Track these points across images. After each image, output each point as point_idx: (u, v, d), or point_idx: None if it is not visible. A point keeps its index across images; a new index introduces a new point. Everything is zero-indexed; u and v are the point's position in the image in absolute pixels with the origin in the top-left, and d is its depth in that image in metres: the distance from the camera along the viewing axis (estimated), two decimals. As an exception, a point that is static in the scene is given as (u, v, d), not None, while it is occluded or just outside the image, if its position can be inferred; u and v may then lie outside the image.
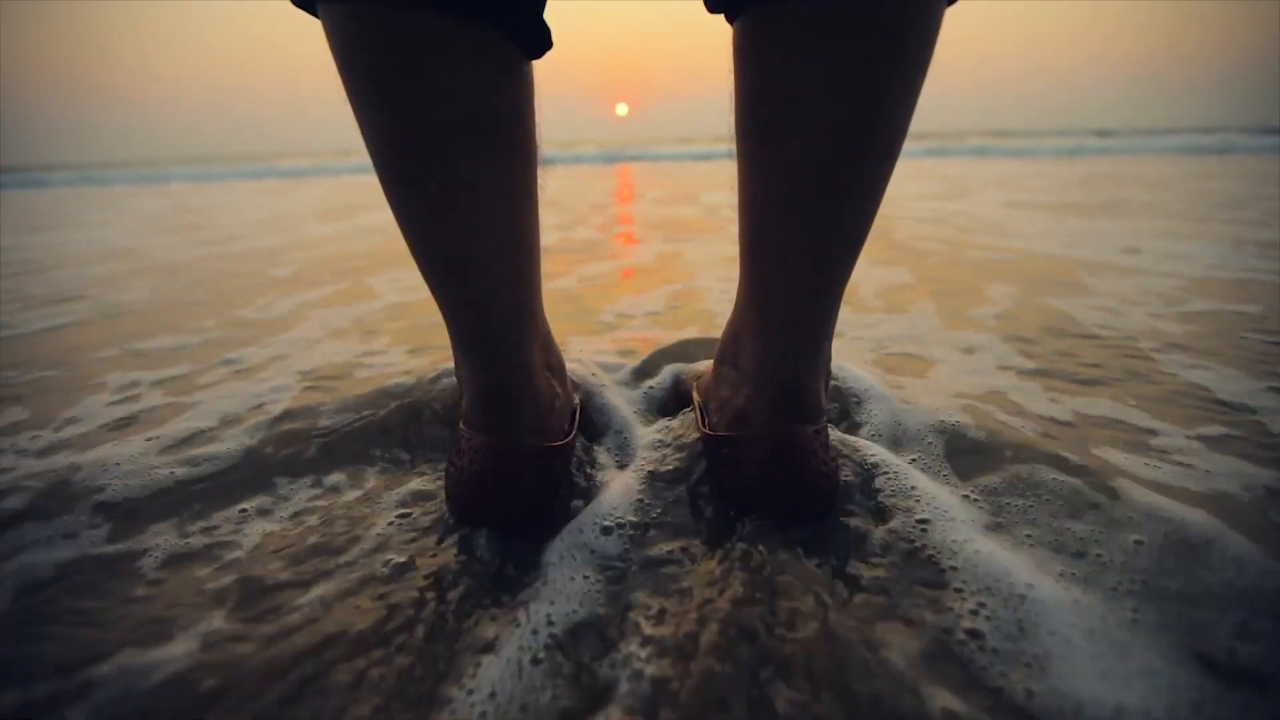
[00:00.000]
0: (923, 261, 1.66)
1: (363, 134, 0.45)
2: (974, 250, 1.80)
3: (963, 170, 5.40)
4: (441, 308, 0.51)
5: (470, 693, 0.37)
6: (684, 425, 0.66)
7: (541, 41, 0.47)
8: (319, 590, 0.46)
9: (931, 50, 0.42)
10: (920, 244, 1.93)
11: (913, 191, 3.57)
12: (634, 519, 0.52)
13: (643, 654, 0.39)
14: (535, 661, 0.39)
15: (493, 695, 0.37)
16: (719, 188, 4.28)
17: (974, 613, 0.41)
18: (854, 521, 0.51)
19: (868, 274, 1.50)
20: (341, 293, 1.51)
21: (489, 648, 0.40)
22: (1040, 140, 10.20)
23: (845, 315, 0.99)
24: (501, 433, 0.51)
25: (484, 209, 0.46)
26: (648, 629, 0.41)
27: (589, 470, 0.60)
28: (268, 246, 2.34)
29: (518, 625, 0.42)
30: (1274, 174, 3.90)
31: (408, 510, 0.57)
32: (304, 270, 1.83)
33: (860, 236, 0.47)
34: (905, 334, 1.06)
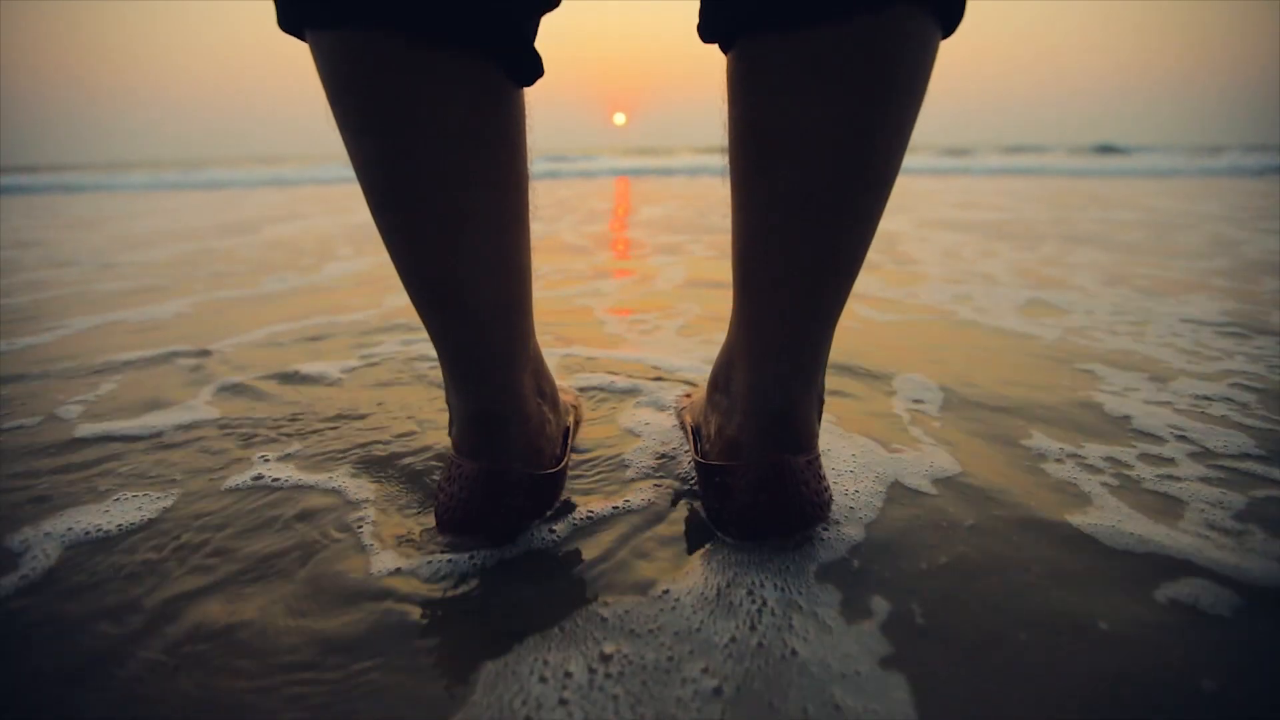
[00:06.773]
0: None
1: (351, 160, 0.44)
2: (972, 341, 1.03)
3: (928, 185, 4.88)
4: (430, 332, 0.50)
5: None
6: (675, 447, 0.66)
7: (533, 70, 0.46)
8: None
9: (925, 83, 0.42)
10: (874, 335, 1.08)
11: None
12: (618, 538, 0.52)
13: (605, 671, 0.39)
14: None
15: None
16: (672, 199, 4.10)
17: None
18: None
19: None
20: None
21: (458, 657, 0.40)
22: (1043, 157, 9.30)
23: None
24: (491, 458, 0.51)
25: (475, 235, 0.46)
26: (616, 648, 0.40)
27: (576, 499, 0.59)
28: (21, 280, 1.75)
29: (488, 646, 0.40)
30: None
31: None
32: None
33: (853, 267, 0.47)
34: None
